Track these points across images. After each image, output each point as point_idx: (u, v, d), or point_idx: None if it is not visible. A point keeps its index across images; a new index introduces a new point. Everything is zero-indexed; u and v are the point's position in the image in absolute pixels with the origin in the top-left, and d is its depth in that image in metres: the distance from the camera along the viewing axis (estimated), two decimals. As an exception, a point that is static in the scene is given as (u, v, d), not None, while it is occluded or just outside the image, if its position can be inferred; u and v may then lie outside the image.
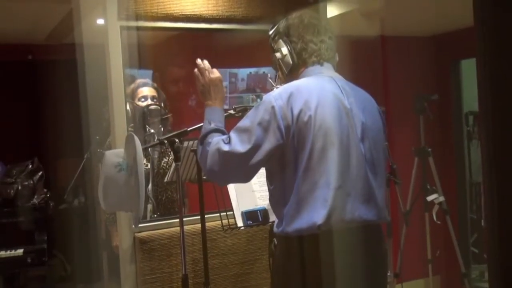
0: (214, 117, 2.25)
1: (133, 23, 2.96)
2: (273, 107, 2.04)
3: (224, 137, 2.11)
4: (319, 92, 2.08)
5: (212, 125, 2.20)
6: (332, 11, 3.82)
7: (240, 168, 2.08)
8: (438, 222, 4.15)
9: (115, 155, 2.48)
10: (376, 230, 2.21)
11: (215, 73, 2.34)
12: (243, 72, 4.71)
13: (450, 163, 4.84)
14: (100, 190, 2.48)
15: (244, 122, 2.09)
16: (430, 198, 4.13)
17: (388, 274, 3.62)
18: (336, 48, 2.33)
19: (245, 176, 2.18)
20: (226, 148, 2.06)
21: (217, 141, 2.10)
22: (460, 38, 4.52)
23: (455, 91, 4.87)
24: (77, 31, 3.55)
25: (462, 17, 3.08)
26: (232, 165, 2.08)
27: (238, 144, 2.05)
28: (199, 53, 4.36)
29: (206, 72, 2.34)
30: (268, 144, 2.03)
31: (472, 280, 4.80)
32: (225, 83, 4.62)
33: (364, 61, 4.35)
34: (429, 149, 4.17)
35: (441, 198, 4.12)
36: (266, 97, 2.10)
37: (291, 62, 2.23)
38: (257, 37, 3.41)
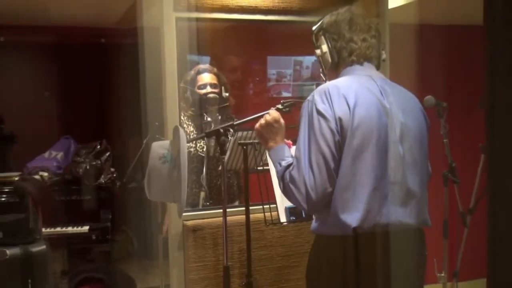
0: (281, 156, 2.19)
1: (189, 15, 2.99)
2: (318, 111, 2.01)
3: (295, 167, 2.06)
4: (356, 91, 2.04)
5: (283, 164, 2.13)
6: (397, 0, 3.72)
7: (327, 179, 2.01)
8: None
9: (160, 146, 2.53)
10: (415, 235, 2.15)
11: (272, 114, 2.29)
12: (308, 60, 4.69)
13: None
14: (146, 180, 2.55)
15: (302, 140, 2.05)
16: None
17: (442, 274, 3.54)
18: (382, 46, 2.28)
19: (334, 182, 2.02)
20: (302, 175, 2.01)
21: (294, 175, 2.04)
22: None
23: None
24: (139, 19, 3.64)
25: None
26: (320, 183, 2.01)
27: (310, 166, 2.01)
28: (263, 41, 4.41)
29: (261, 119, 2.30)
30: (332, 147, 2.00)
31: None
32: (290, 71, 4.61)
33: (429, 53, 4.20)
34: (497, 146, 3.98)
35: (508, 197, 3.93)
36: (308, 104, 2.07)
37: (330, 60, 2.21)
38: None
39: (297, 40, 4.28)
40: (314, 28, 2.30)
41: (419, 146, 2.15)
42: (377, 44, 2.22)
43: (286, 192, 2.10)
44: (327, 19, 2.26)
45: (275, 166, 2.20)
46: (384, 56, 2.31)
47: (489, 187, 1.04)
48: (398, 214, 2.06)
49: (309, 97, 2.09)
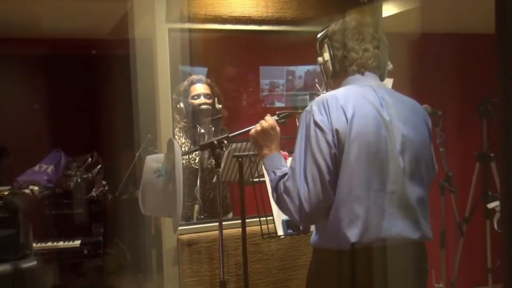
0: (275, 164, 2.15)
1: (182, 25, 2.96)
2: (316, 123, 1.97)
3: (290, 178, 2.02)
4: (355, 102, 2.00)
5: (278, 173, 2.10)
6: (391, 9, 3.70)
7: (321, 192, 1.97)
8: (499, 231, 3.96)
9: (154, 160, 2.48)
10: (416, 248, 2.11)
11: (268, 120, 2.26)
12: (301, 70, 4.65)
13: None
14: (140, 194, 2.50)
15: (298, 151, 2.01)
16: (491, 205, 3.94)
17: (440, 285, 3.51)
18: (387, 56, 2.23)
19: (329, 195, 1.98)
20: (296, 186, 1.98)
21: (289, 186, 2.00)
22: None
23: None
24: (131, 30, 3.60)
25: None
26: (314, 195, 1.97)
27: (305, 177, 1.97)
28: (255, 51, 4.38)
29: (257, 125, 2.27)
30: (328, 160, 1.96)
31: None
32: (282, 81, 4.58)
33: (425, 61, 4.18)
34: (492, 154, 3.97)
35: (503, 206, 3.91)
36: (306, 114, 2.02)
37: (331, 68, 2.17)
38: (314, 35, 3.34)
39: (289, 50, 4.27)
40: (319, 35, 2.26)
41: (421, 157, 2.09)
42: (381, 54, 2.17)
43: (279, 202, 2.06)
44: (332, 27, 2.21)
45: (268, 175, 2.16)
46: (390, 66, 2.26)
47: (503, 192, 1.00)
48: (398, 228, 2.02)
49: (308, 108, 2.04)
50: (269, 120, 2.26)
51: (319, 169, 1.95)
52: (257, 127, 2.26)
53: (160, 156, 2.50)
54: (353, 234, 1.95)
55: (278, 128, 2.27)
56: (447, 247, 3.70)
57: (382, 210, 1.98)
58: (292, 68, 4.61)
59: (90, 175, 4.63)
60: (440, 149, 3.38)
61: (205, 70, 4.09)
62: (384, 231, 1.99)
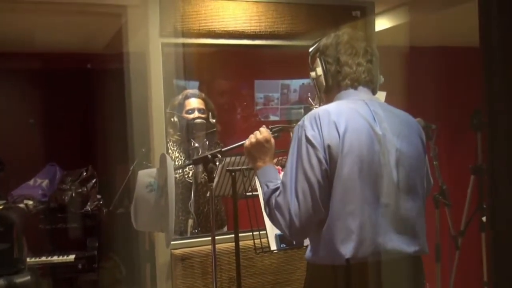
0: (269, 177, 2.15)
1: (175, 40, 2.97)
2: (307, 139, 1.96)
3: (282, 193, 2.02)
4: (347, 117, 1.99)
5: (271, 186, 2.09)
6: (384, 23, 3.72)
7: (311, 208, 1.96)
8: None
9: (147, 175, 2.48)
10: (412, 263, 2.09)
11: (263, 132, 2.26)
12: (295, 83, 4.66)
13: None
14: (132, 209, 2.49)
15: (290, 166, 2.01)
16: (486, 218, 3.93)
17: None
18: (379, 70, 2.22)
19: (319, 211, 1.98)
20: (287, 202, 1.98)
21: (280, 201, 2.00)
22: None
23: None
24: (125, 45, 3.60)
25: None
26: (304, 211, 1.96)
27: (296, 193, 1.97)
28: (250, 65, 4.39)
29: (252, 137, 2.26)
30: (319, 176, 1.95)
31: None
32: (277, 95, 4.58)
33: (418, 75, 4.19)
34: (487, 167, 3.96)
35: (498, 219, 3.90)
36: (299, 129, 2.02)
37: (324, 83, 2.16)
38: (308, 49, 3.34)
39: (284, 64, 4.27)
40: (310, 49, 2.25)
41: (416, 171, 2.08)
42: (374, 68, 2.16)
43: (271, 216, 2.06)
44: (324, 41, 2.20)
45: (261, 187, 2.15)
46: (382, 79, 2.26)
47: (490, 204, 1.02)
48: (394, 243, 2.01)
49: (300, 122, 2.03)
50: (264, 132, 2.25)
51: (310, 185, 1.94)
52: (252, 139, 2.25)
53: (152, 171, 2.50)
54: (347, 249, 1.93)
55: (272, 141, 2.26)
56: (442, 260, 3.68)
57: (377, 225, 1.97)
58: (287, 81, 4.62)
59: (85, 189, 4.62)
60: (434, 163, 3.38)
61: (196, 84, 4.09)
62: (379, 246, 1.97)
